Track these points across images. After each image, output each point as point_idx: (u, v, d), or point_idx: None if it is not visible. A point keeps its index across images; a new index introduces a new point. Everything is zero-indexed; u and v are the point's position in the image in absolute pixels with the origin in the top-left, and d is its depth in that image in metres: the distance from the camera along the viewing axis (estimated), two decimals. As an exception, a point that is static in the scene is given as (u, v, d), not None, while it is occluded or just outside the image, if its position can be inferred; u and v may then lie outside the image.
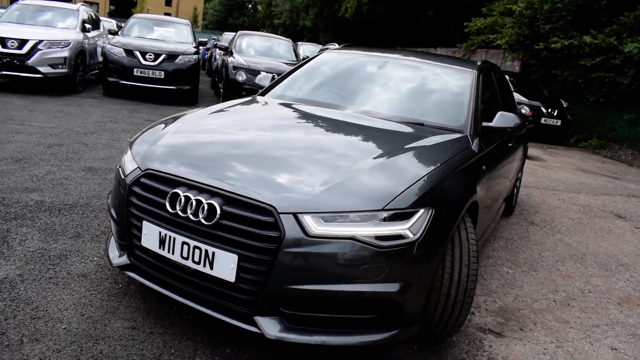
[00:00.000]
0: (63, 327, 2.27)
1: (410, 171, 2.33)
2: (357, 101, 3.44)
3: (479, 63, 3.82)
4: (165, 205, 2.13)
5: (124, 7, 51.48)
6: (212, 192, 2.09)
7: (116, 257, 2.44)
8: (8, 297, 2.44)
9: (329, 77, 3.84)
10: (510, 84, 6.94)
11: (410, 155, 2.54)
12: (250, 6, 70.89)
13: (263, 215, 1.98)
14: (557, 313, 3.20)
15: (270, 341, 2.05)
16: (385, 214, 2.02)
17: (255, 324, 2.02)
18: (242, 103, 3.39)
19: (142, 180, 2.28)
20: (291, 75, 3.88)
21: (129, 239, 2.32)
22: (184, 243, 2.09)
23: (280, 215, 1.96)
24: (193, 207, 2.06)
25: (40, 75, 7.99)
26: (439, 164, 2.44)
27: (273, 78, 3.97)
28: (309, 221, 1.96)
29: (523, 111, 11.53)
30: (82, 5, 9.97)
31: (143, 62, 8.75)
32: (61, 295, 2.52)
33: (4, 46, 7.78)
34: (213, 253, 2.03)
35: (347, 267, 1.96)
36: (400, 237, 2.03)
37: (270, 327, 2.01)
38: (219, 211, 2.02)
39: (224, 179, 2.12)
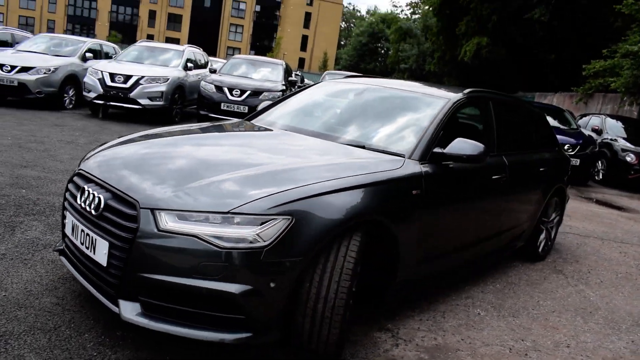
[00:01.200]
0: (3, 294, 2.74)
1: (286, 181, 2.42)
2: (317, 125, 3.59)
3: (461, 92, 3.70)
4: (77, 197, 2.54)
5: (262, 52, 56.27)
6: (105, 188, 2.45)
7: (58, 244, 2.90)
8: (-19, 269, 3.00)
9: (307, 104, 4.05)
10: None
11: (303, 168, 2.64)
12: (382, 52, 72.98)
13: (129, 209, 2.27)
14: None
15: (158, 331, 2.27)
16: (236, 218, 2.18)
17: (118, 305, 2.29)
18: (195, 125, 3.84)
19: (74, 178, 2.73)
20: (282, 102, 4.16)
21: (62, 228, 2.76)
22: (82, 230, 2.46)
23: (140, 209, 2.23)
24: (89, 200, 2.43)
25: (140, 107, 9.30)
26: (328, 180, 2.50)
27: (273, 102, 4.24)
28: (164, 217, 2.20)
29: (628, 158, 10.44)
30: (188, 47, 11.48)
31: (230, 97, 9.71)
32: (22, 273, 3.02)
33: (113, 80, 9.24)
34: (95, 239, 2.36)
35: (188, 262, 2.16)
36: (246, 240, 2.17)
37: (128, 310, 2.25)
38: (103, 204, 2.36)
39: (116, 178, 2.47)
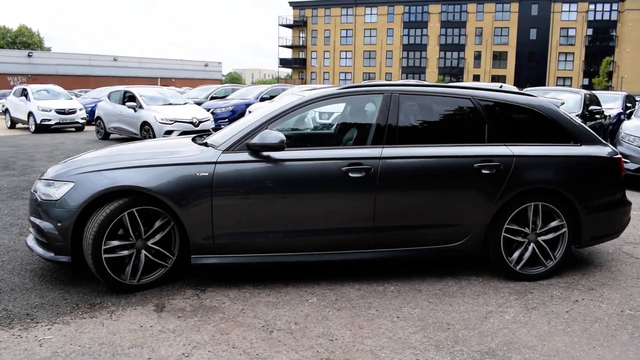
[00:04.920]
0: None
1: (109, 162, 3.76)
2: None
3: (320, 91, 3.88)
4: None
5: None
6: None
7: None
8: None
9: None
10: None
11: (127, 154, 3.98)
12: None
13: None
14: (227, 312, 3.15)
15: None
16: (48, 182, 3.68)
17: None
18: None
19: None
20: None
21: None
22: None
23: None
24: None
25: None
26: (127, 161, 3.75)
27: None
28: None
29: None
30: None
31: None
32: None
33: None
34: None
35: (32, 207, 3.79)
36: (49, 195, 3.62)
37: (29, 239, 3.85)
38: None
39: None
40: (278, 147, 3.59)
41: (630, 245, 4.99)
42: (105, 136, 14.58)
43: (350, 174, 3.67)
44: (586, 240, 4.11)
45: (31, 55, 46.11)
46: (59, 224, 3.55)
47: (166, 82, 50.11)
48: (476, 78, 58.42)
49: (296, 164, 3.70)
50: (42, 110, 16.61)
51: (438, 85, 4.29)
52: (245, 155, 3.67)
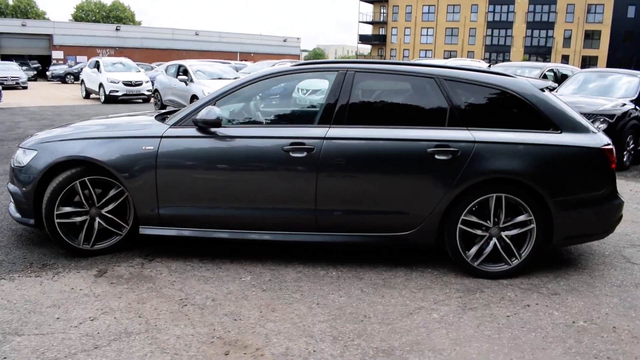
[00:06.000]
0: None
1: (71, 133, 3.95)
2: None
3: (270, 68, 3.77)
4: None
5: None
6: None
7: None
8: None
9: None
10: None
11: (89, 125, 4.23)
12: None
13: None
14: (157, 283, 3.23)
15: None
16: (23, 150, 3.93)
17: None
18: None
19: None
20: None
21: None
22: None
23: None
24: None
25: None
26: (87, 133, 3.94)
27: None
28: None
29: None
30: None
31: None
32: None
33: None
34: None
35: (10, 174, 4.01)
36: (19, 162, 3.91)
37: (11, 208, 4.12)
38: None
39: None
40: (214, 123, 3.58)
41: (635, 248, 4.47)
42: (162, 107, 15.22)
43: (291, 154, 3.58)
44: (560, 239, 3.73)
45: (119, 29, 48.89)
46: (24, 189, 3.79)
47: (245, 56, 51.30)
48: (565, 58, 54.35)
49: (238, 141, 3.66)
50: (111, 82, 17.65)
51: (400, 63, 4.02)
52: (190, 131, 3.69)
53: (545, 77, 11.45)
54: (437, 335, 2.91)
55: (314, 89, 6.63)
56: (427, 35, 64.70)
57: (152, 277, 3.55)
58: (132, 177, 3.67)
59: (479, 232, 3.69)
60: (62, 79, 33.82)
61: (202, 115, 3.59)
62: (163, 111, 4.40)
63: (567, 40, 55.89)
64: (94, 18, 65.97)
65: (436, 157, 3.56)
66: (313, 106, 4.04)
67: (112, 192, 3.81)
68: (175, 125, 3.74)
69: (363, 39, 69.40)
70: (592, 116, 8.03)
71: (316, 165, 3.57)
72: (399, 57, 66.11)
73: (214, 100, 3.75)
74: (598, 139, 3.77)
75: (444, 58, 57.84)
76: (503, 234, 3.69)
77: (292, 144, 3.58)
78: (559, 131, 3.71)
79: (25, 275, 3.52)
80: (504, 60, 53.36)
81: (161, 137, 3.68)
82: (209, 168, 3.67)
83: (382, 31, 68.53)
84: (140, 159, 3.66)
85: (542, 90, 3.90)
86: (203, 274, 3.61)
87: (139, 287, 3.38)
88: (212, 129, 3.66)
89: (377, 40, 68.50)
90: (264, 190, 3.66)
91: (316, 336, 2.85)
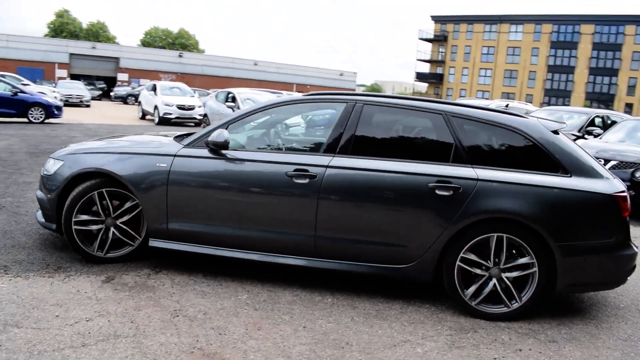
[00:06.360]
0: None
1: (104, 147, 4.27)
2: None
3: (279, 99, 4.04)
4: None
5: None
6: None
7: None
8: None
9: None
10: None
11: (118, 141, 4.48)
12: None
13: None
14: (158, 293, 3.34)
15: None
16: (52, 159, 4.25)
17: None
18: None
19: None
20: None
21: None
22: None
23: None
24: None
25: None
26: (110, 148, 4.21)
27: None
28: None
29: None
30: None
31: None
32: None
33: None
34: None
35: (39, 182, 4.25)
36: (47, 171, 4.24)
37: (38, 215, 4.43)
38: None
39: None
40: (222, 145, 3.77)
41: (656, 304, 4.25)
42: (210, 131, 15.84)
43: (294, 180, 3.69)
44: (564, 285, 3.62)
45: (181, 56, 51.51)
46: (49, 195, 4.10)
47: (301, 88, 52.54)
48: (629, 106, 52.27)
49: (244, 165, 3.83)
50: (165, 105, 18.57)
51: (410, 98, 4.08)
52: (202, 152, 3.89)
53: (592, 123, 11.13)
54: (415, 369, 2.89)
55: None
56: (485, 76, 64.13)
57: (155, 287, 3.71)
58: (146, 192, 3.89)
59: (478, 271, 3.64)
60: (123, 99, 35.86)
61: (212, 137, 3.78)
62: (184, 132, 4.63)
63: (631, 88, 53.84)
64: (160, 44, 69.79)
65: (437, 192, 3.58)
66: (321, 136, 4.17)
67: (127, 205, 4.04)
68: (189, 145, 3.96)
69: (420, 76, 69.57)
70: (634, 165, 7.76)
71: (317, 192, 3.67)
72: (455, 97, 65.70)
73: (227, 124, 3.95)
74: (611, 184, 3.67)
75: (502, 99, 56.98)
76: (504, 275, 3.63)
77: (295, 170, 3.70)
78: (569, 174, 3.65)
79: (39, 276, 3.76)
80: (564, 105, 51.94)
81: (175, 155, 3.90)
82: (217, 188, 3.84)
83: (439, 70, 68.52)
84: (153, 175, 3.88)
85: (556, 132, 3.86)
86: (203, 289, 3.74)
87: (139, 295, 3.54)
88: (222, 151, 3.85)
89: (433, 79, 68.49)
90: (266, 213, 3.78)
91: (293, 357, 2.89)
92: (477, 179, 3.59)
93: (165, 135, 4.57)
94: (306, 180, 3.68)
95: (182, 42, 71.20)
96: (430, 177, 3.61)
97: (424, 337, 3.29)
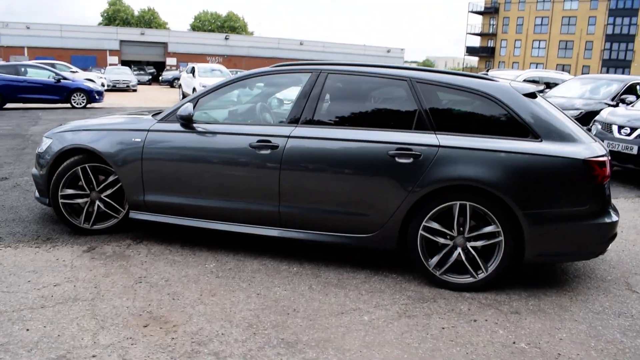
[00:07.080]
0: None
1: (85, 125, 4.48)
2: None
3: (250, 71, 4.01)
4: None
5: None
6: None
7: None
8: None
9: None
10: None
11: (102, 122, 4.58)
12: None
13: None
14: (130, 262, 3.48)
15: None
16: (44, 138, 4.48)
17: None
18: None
19: None
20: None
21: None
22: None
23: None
24: None
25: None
26: (90, 125, 4.42)
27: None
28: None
29: None
30: None
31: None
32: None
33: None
34: None
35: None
36: (40, 149, 4.46)
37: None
38: None
39: None
40: (187, 118, 3.87)
41: (647, 277, 4.02)
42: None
43: (258, 151, 3.74)
44: (532, 255, 3.49)
45: (228, 39, 52.22)
46: (41, 172, 4.37)
47: (346, 67, 51.97)
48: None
49: (211, 137, 3.90)
50: (203, 87, 18.91)
51: (375, 65, 3.98)
52: (173, 126, 4.00)
53: (630, 90, 10.43)
54: (353, 336, 2.90)
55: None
56: (538, 48, 61.28)
57: (130, 256, 3.88)
58: (123, 166, 4.05)
59: (442, 240, 3.57)
60: (170, 83, 36.93)
61: (180, 111, 3.88)
62: (161, 108, 4.77)
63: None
64: (210, 28, 70.94)
65: (397, 159, 3.53)
66: (286, 107, 4.18)
67: (110, 179, 4.23)
68: (161, 120, 4.08)
69: (470, 50, 67.37)
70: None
71: (279, 163, 3.70)
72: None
73: (196, 99, 4.03)
74: (586, 149, 3.47)
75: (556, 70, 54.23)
76: (469, 244, 3.54)
77: (259, 141, 3.75)
78: (539, 139, 3.49)
79: (28, 246, 4.03)
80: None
81: (148, 130, 4.04)
82: (186, 160, 3.94)
83: (490, 43, 66.02)
84: (130, 149, 4.03)
85: (533, 96, 3.68)
86: (174, 258, 3.88)
87: (112, 264, 3.72)
88: (193, 125, 3.94)
89: (484, 52, 66.13)
90: (233, 184, 3.85)
91: (234, 322, 2.98)
92: (439, 146, 3.50)
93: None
94: (268, 151, 3.71)
95: (230, 25, 72.09)
96: (391, 145, 3.56)
97: (377, 306, 3.28)
